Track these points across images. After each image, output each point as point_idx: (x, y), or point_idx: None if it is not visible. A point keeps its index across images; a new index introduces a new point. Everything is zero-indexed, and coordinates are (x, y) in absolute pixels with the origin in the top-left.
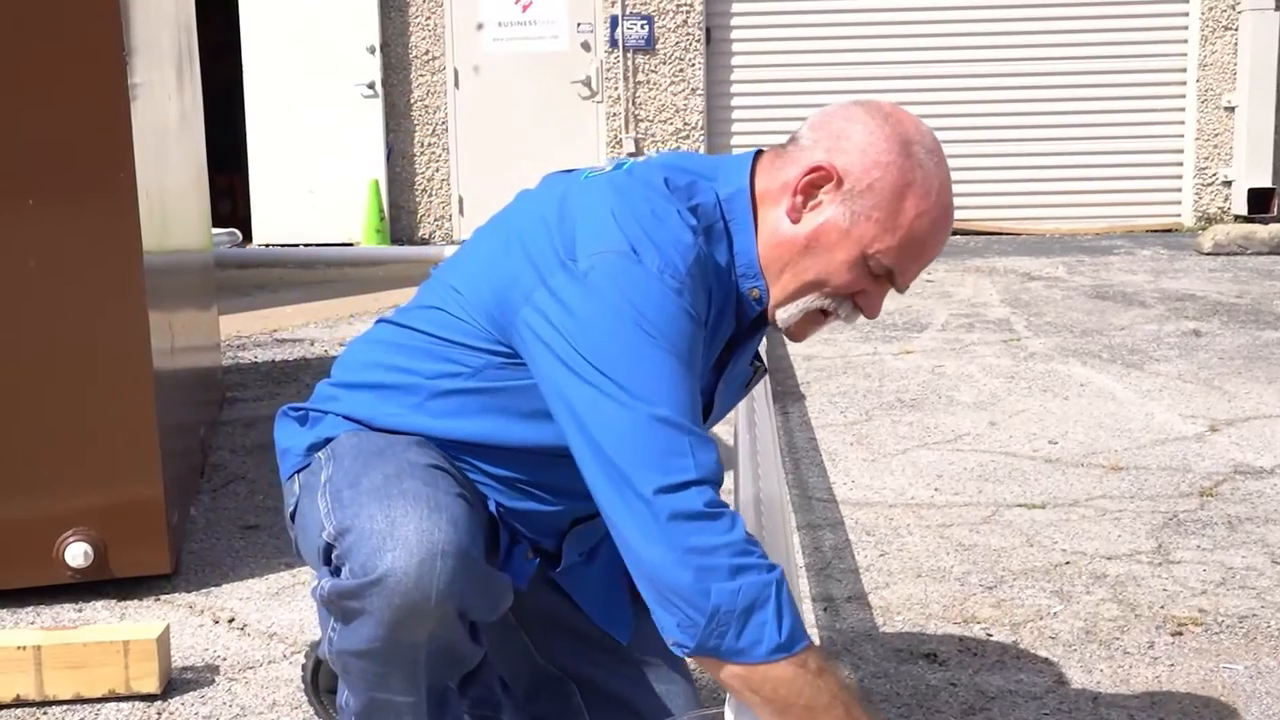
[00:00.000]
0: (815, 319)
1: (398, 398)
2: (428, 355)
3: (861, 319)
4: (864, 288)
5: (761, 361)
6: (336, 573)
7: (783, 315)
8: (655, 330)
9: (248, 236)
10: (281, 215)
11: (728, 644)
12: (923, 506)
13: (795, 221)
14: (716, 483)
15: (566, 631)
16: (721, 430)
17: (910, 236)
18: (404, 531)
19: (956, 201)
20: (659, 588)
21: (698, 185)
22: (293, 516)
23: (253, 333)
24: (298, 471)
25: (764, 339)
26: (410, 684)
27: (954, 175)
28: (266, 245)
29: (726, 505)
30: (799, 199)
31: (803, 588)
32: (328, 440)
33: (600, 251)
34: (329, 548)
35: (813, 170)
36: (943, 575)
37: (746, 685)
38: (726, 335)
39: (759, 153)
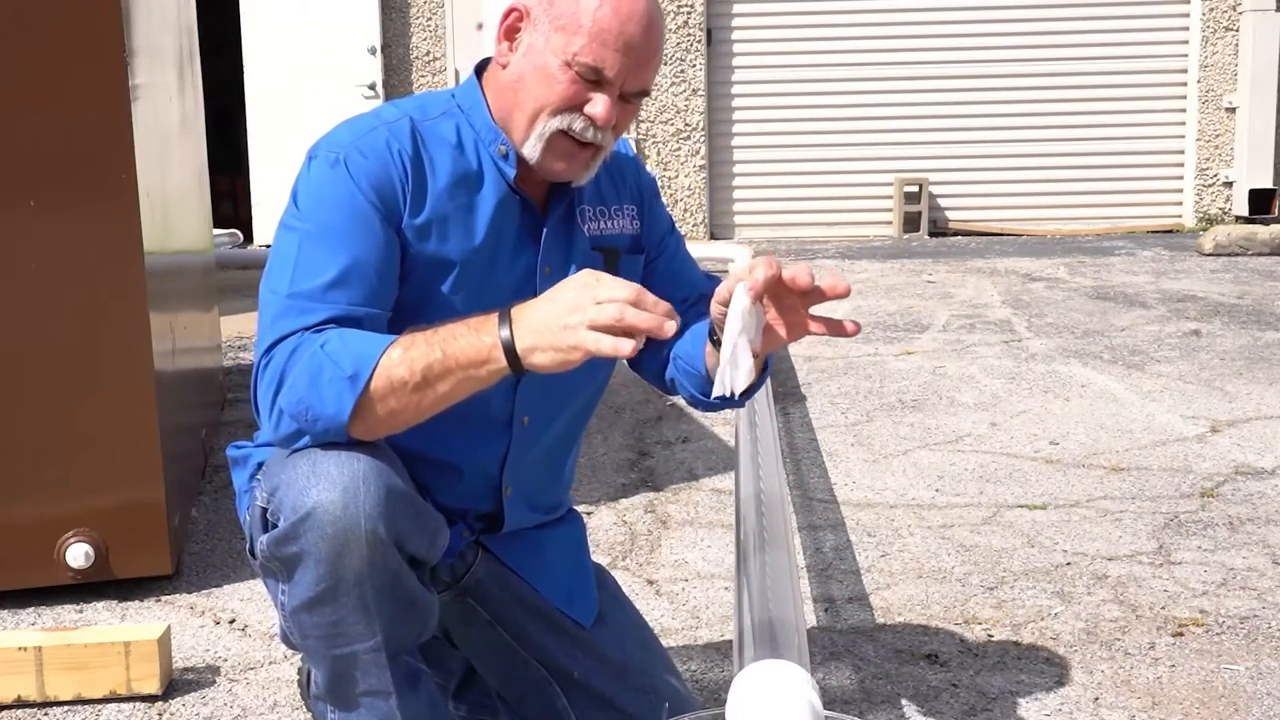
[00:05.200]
0: (563, 147)
1: None
2: None
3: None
4: (584, 97)
5: (621, 249)
6: (274, 528)
7: (529, 152)
8: (301, 218)
9: (249, 238)
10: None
11: (325, 413)
12: (924, 507)
13: (507, 66)
14: (305, 328)
15: (540, 619)
16: (722, 430)
17: (597, 29)
18: (325, 468)
19: (959, 203)
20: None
21: (432, 94)
22: (252, 551)
23: (253, 334)
24: (248, 508)
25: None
26: (365, 626)
27: (956, 177)
28: (268, 246)
29: (308, 333)
30: (504, 45)
31: (804, 589)
32: (261, 464)
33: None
34: (263, 513)
35: (506, 15)
36: (944, 576)
37: (374, 419)
38: (495, 204)
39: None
